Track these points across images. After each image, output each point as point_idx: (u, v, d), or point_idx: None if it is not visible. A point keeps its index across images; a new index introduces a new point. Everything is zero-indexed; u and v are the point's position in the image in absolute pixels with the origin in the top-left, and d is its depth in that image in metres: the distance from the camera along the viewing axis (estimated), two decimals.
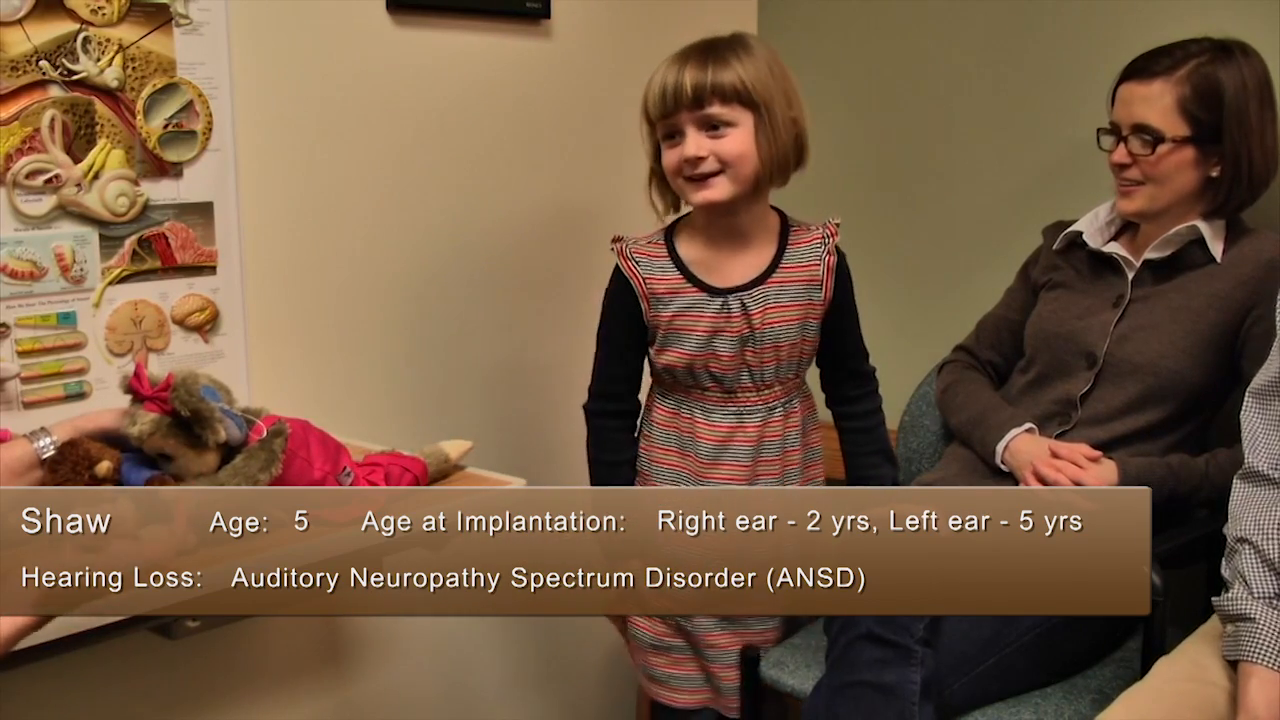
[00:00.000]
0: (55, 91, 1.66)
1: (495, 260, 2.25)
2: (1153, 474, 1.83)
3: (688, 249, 1.81)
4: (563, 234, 2.36)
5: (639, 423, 1.91)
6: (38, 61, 1.64)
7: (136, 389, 1.40)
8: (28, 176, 1.64)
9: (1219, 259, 1.89)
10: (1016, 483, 1.91)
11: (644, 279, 1.79)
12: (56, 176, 1.66)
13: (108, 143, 1.70)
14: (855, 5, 2.51)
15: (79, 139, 1.68)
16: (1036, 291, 2.07)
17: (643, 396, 1.92)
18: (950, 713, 1.69)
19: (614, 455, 1.89)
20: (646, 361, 1.89)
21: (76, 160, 1.68)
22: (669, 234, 1.83)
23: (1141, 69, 1.88)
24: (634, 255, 1.81)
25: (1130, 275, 1.94)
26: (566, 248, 2.37)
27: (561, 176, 2.33)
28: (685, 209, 1.84)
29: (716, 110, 1.68)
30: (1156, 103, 1.85)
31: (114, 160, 1.71)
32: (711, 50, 1.71)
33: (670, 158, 1.73)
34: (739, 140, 1.70)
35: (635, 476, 1.88)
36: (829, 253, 1.80)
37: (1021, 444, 1.91)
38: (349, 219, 2.02)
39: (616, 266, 1.82)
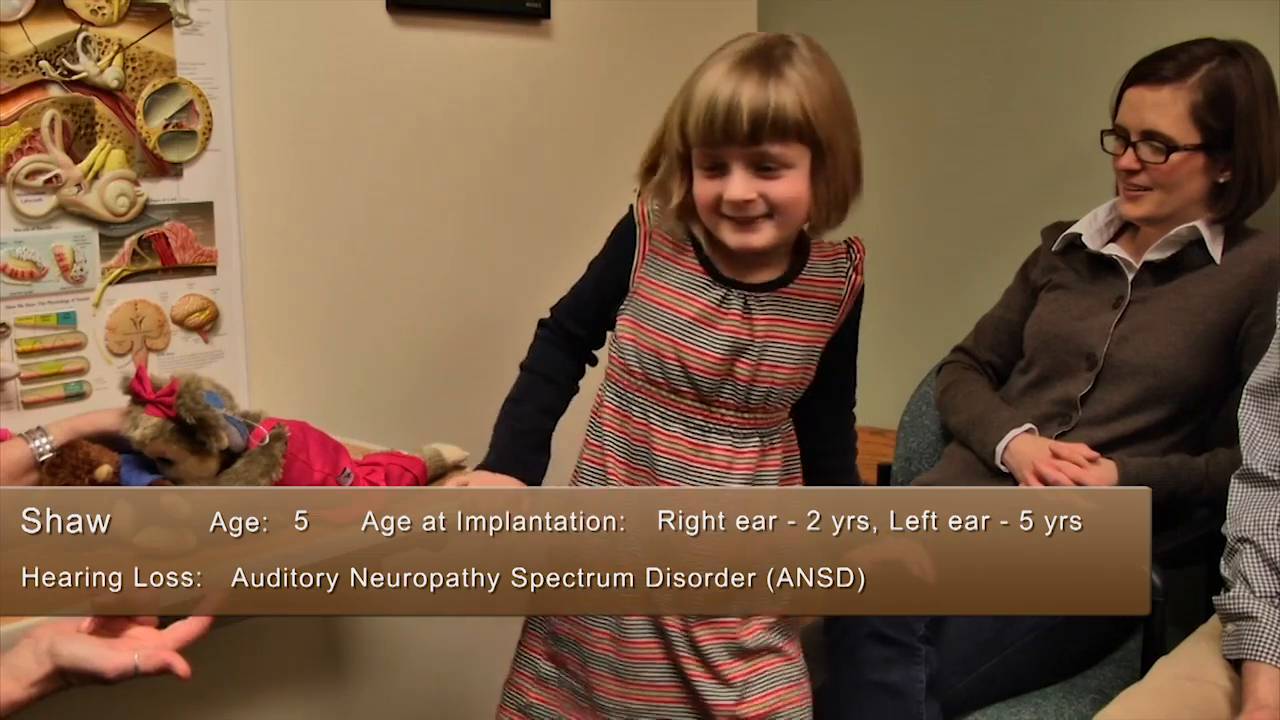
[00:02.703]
0: (55, 91, 1.66)
1: (494, 259, 2.25)
2: (1153, 474, 1.83)
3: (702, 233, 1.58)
4: (563, 234, 2.36)
5: (589, 426, 1.67)
6: (38, 61, 1.64)
7: (139, 392, 1.40)
8: (28, 176, 1.64)
9: (1218, 260, 1.89)
10: (1016, 483, 1.91)
11: (652, 226, 1.57)
12: (56, 176, 1.66)
13: (108, 143, 1.70)
14: (854, 7, 2.51)
15: (79, 139, 1.68)
16: (1036, 292, 2.07)
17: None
18: (951, 713, 1.69)
19: (543, 369, 1.66)
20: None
21: (76, 160, 1.68)
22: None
23: (1150, 73, 1.87)
24: (654, 201, 1.57)
25: (1130, 276, 1.94)
26: (566, 248, 2.37)
27: (562, 177, 2.33)
28: None
29: (773, 150, 1.43)
30: (1169, 110, 1.85)
31: (114, 160, 1.71)
32: (769, 62, 1.44)
33: (706, 190, 1.47)
34: (794, 184, 1.45)
35: (549, 408, 1.65)
36: (856, 271, 1.59)
37: (1021, 444, 1.91)
38: (349, 219, 2.02)
39: (631, 207, 1.61)
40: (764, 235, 1.47)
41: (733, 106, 1.41)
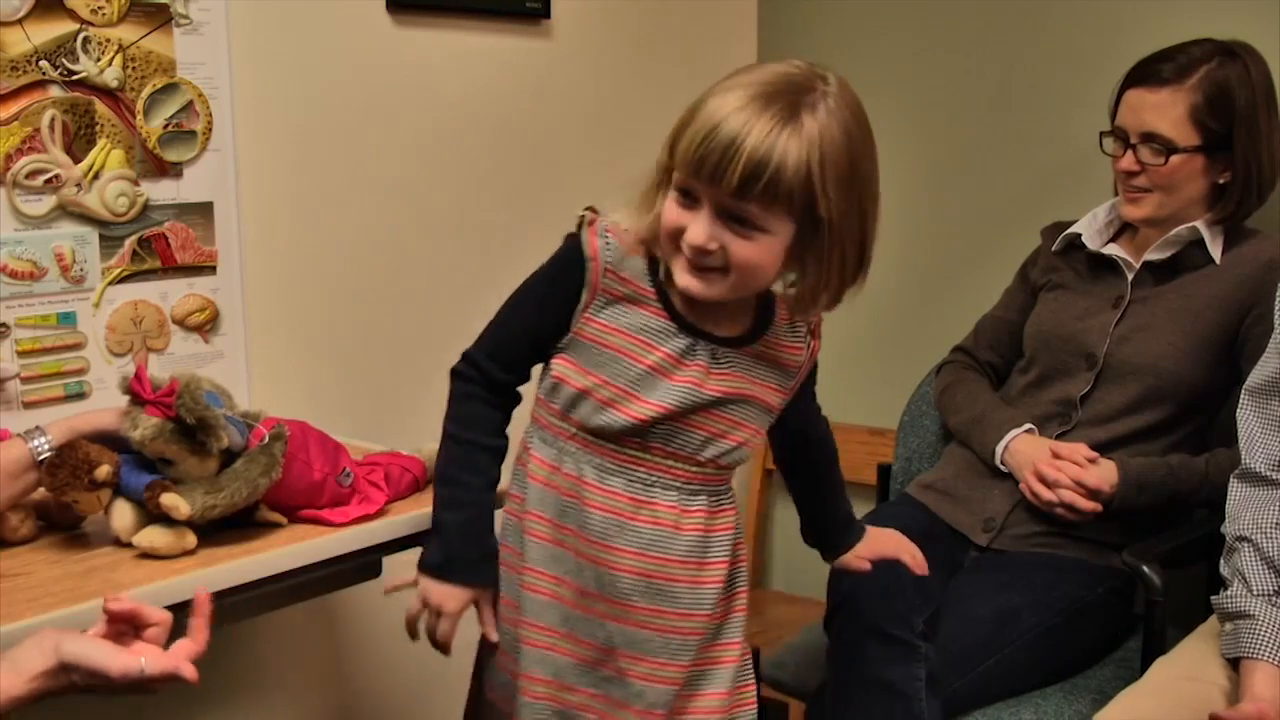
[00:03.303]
0: (55, 91, 1.66)
1: (494, 260, 2.25)
2: (1153, 474, 1.83)
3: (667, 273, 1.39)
4: (563, 233, 2.36)
5: (514, 476, 1.49)
6: (38, 61, 1.64)
7: (138, 392, 1.40)
8: (28, 176, 1.64)
9: (1218, 260, 1.89)
10: (1016, 483, 1.91)
11: (605, 263, 1.37)
12: (56, 176, 1.66)
13: (108, 143, 1.70)
14: (855, 7, 2.51)
15: (79, 139, 1.68)
16: (1035, 292, 2.07)
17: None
18: (951, 712, 1.69)
19: (475, 434, 1.45)
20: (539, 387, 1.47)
21: (76, 160, 1.68)
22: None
23: (1149, 75, 1.87)
24: (606, 233, 1.38)
25: (1130, 276, 1.94)
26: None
27: (561, 177, 2.33)
28: None
29: (752, 209, 1.26)
30: (1168, 112, 1.84)
31: (114, 160, 1.71)
32: (791, 108, 1.24)
33: (672, 217, 1.31)
34: (762, 250, 1.28)
35: (490, 480, 1.46)
36: (814, 336, 1.46)
37: (1021, 444, 1.91)
38: (348, 218, 2.02)
39: (574, 236, 1.42)
40: (713, 288, 1.31)
41: (730, 150, 1.23)
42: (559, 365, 1.40)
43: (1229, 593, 1.47)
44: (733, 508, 1.46)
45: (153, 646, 1.17)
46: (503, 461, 1.48)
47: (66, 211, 1.68)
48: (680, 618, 1.42)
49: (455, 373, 1.47)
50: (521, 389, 1.49)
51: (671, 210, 1.30)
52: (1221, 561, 1.52)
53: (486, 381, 1.45)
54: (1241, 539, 1.49)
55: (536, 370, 1.48)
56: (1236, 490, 1.54)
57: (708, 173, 1.24)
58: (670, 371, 1.37)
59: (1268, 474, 1.51)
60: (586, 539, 1.39)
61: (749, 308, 1.41)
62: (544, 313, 1.41)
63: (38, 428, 1.43)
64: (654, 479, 1.39)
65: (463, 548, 1.44)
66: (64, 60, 1.66)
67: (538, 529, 1.42)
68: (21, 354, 1.66)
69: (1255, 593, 1.44)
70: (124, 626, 1.17)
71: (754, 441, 1.43)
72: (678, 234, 1.30)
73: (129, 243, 1.74)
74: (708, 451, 1.40)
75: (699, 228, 1.27)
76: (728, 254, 1.28)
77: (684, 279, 1.31)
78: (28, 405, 1.66)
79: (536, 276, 1.44)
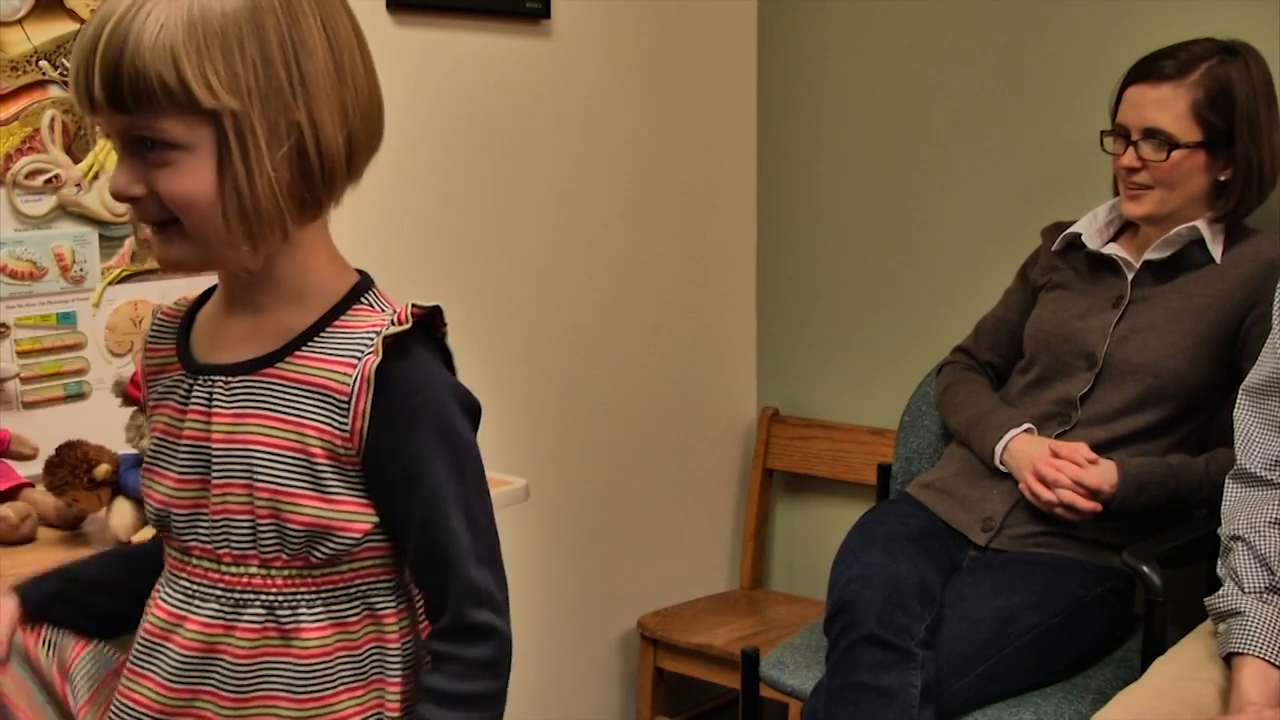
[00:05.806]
0: (55, 91, 1.66)
1: (492, 258, 2.25)
2: (1153, 474, 1.83)
3: (209, 309, 1.12)
4: (560, 233, 2.36)
5: None
6: (38, 61, 1.64)
7: (135, 396, 1.40)
8: (28, 176, 1.64)
9: (1218, 259, 1.89)
10: (1015, 483, 1.91)
11: (147, 344, 1.14)
12: (56, 176, 1.66)
13: (108, 143, 1.70)
14: (855, 7, 2.51)
15: (79, 139, 1.68)
16: (1035, 292, 2.07)
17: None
18: (950, 713, 1.69)
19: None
20: None
21: (76, 160, 1.68)
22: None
23: (1150, 71, 1.88)
24: (160, 316, 1.14)
25: (1130, 276, 1.94)
26: (564, 246, 2.38)
27: (560, 177, 2.33)
28: None
29: (147, 126, 0.96)
30: (1170, 107, 1.85)
31: (113, 160, 1.71)
32: None
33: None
34: (193, 177, 0.97)
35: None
36: (374, 352, 1.05)
37: (1020, 444, 1.91)
38: (347, 218, 2.02)
39: None
40: (177, 250, 1.01)
41: (90, 56, 0.95)
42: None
43: (1220, 593, 1.46)
44: (338, 624, 1.05)
45: None
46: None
47: (66, 211, 1.68)
48: None
49: None
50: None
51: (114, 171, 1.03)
52: (1218, 563, 1.52)
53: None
54: (1235, 538, 1.48)
55: None
56: (1232, 491, 1.54)
57: (83, 96, 0.97)
58: (178, 429, 1.06)
59: (1263, 474, 1.51)
60: (130, 671, 1.08)
61: (303, 316, 1.07)
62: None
63: None
64: (195, 588, 1.06)
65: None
66: (64, 60, 1.66)
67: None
68: (21, 354, 1.66)
69: (1247, 590, 1.44)
70: None
71: (296, 513, 1.02)
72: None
73: (129, 243, 1.75)
74: (234, 536, 1.04)
75: (116, 174, 0.99)
76: (160, 197, 0.99)
77: (155, 251, 1.04)
78: (28, 405, 1.66)
79: None
